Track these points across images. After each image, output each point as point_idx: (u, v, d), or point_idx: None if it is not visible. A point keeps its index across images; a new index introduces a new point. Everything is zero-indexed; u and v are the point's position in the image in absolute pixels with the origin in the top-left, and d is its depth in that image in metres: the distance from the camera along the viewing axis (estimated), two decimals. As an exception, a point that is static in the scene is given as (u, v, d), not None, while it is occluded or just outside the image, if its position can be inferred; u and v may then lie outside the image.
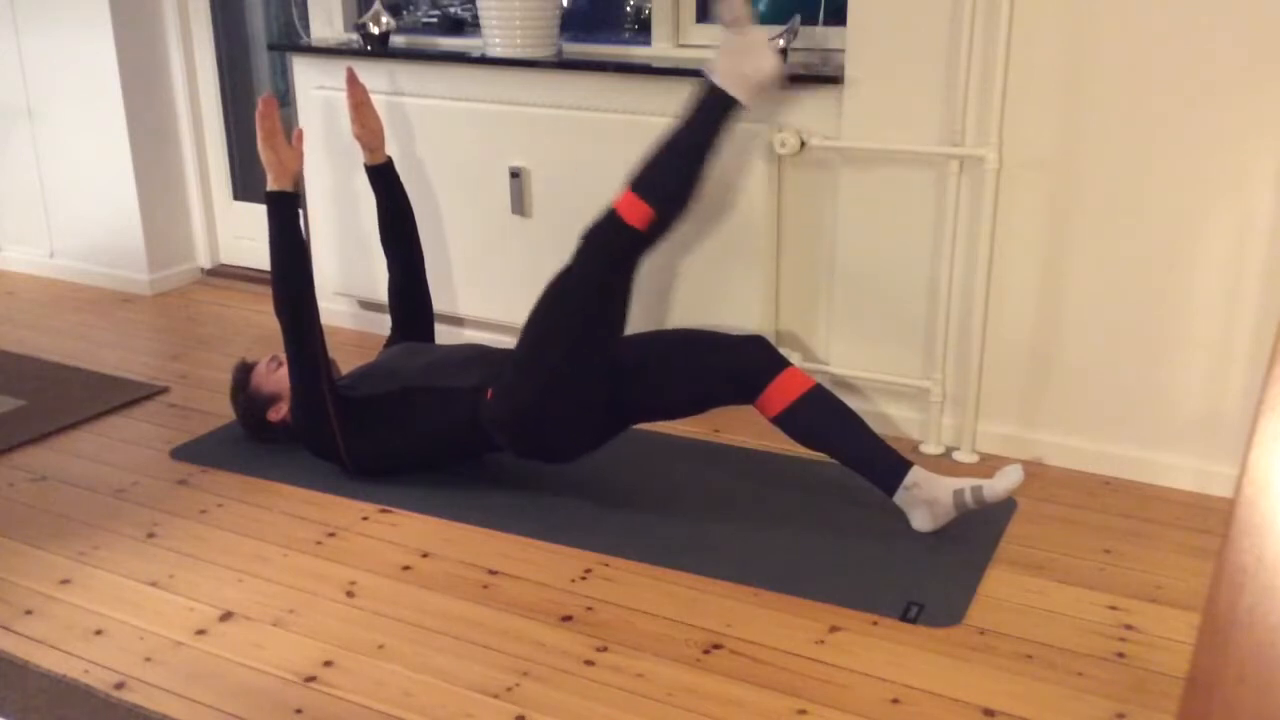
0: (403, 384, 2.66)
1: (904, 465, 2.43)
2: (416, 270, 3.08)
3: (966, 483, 2.38)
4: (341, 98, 3.46)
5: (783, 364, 2.50)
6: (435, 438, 2.64)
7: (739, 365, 2.48)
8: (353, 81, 3.03)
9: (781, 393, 2.47)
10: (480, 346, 2.79)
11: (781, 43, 2.89)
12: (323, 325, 2.68)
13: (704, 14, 3.18)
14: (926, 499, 2.40)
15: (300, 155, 2.71)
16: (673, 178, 2.42)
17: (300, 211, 2.68)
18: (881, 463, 2.45)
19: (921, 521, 2.42)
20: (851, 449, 2.46)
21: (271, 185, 2.67)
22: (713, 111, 2.45)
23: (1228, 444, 2.61)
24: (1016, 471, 2.32)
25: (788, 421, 2.48)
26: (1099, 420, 2.73)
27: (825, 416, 2.47)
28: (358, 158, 3.47)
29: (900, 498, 2.42)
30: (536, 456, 2.60)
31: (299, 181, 2.71)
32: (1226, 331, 2.55)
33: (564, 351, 2.46)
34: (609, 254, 2.44)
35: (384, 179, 3.08)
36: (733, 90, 2.44)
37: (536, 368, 2.48)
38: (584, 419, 2.53)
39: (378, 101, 3.41)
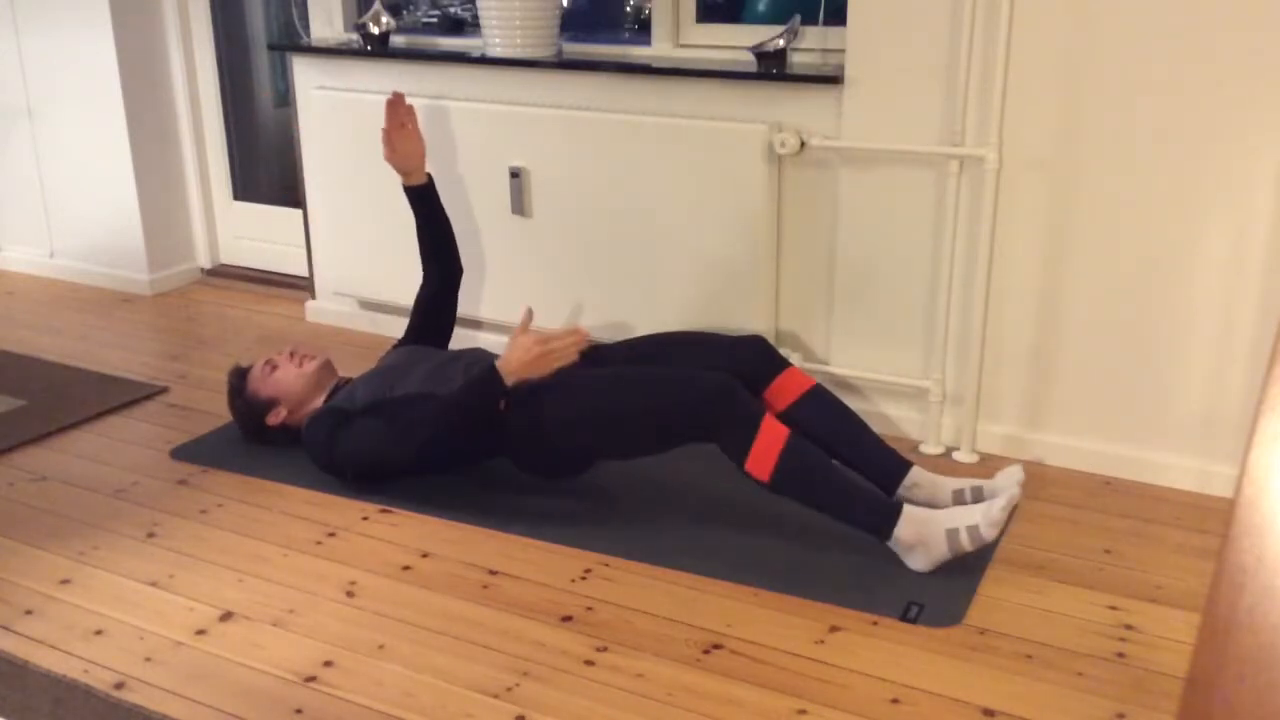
0: (406, 391, 2.66)
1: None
2: (454, 285, 3.07)
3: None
4: (343, 97, 3.46)
5: (783, 364, 2.50)
6: (434, 444, 2.64)
7: (737, 369, 2.48)
8: (392, 105, 2.97)
9: (781, 393, 2.48)
10: (484, 352, 2.79)
11: (781, 42, 2.90)
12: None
13: (704, 14, 3.18)
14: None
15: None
16: (808, 494, 2.33)
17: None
18: (886, 462, 2.47)
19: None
20: (852, 452, 2.47)
21: (507, 378, 2.50)
22: (869, 525, 2.33)
23: (1228, 444, 2.61)
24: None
25: (789, 420, 2.48)
26: (1099, 420, 2.73)
27: (826, 415, 2.48)
28: (358, 158, 3.47)
29: (899, 498, 2.40)
30: (539, 471, 2.62)
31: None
32: (1226, 331, 2.55)
33: (609, 432, 2.46)
34: (714, 433, 2.35)
35: (424, 200, 3.02)
36: (904, 552, 2.32)
37: (590, 421, 2.47)
38: (594, 456, 2.59)
39: (379, 102, 3.41)
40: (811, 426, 2.48)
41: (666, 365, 2.53)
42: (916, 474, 2.43)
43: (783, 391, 2.49)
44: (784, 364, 2.52)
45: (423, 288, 3.06)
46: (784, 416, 2.48)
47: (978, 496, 2.35)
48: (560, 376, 2.53)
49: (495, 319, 3.45)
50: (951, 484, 2.39)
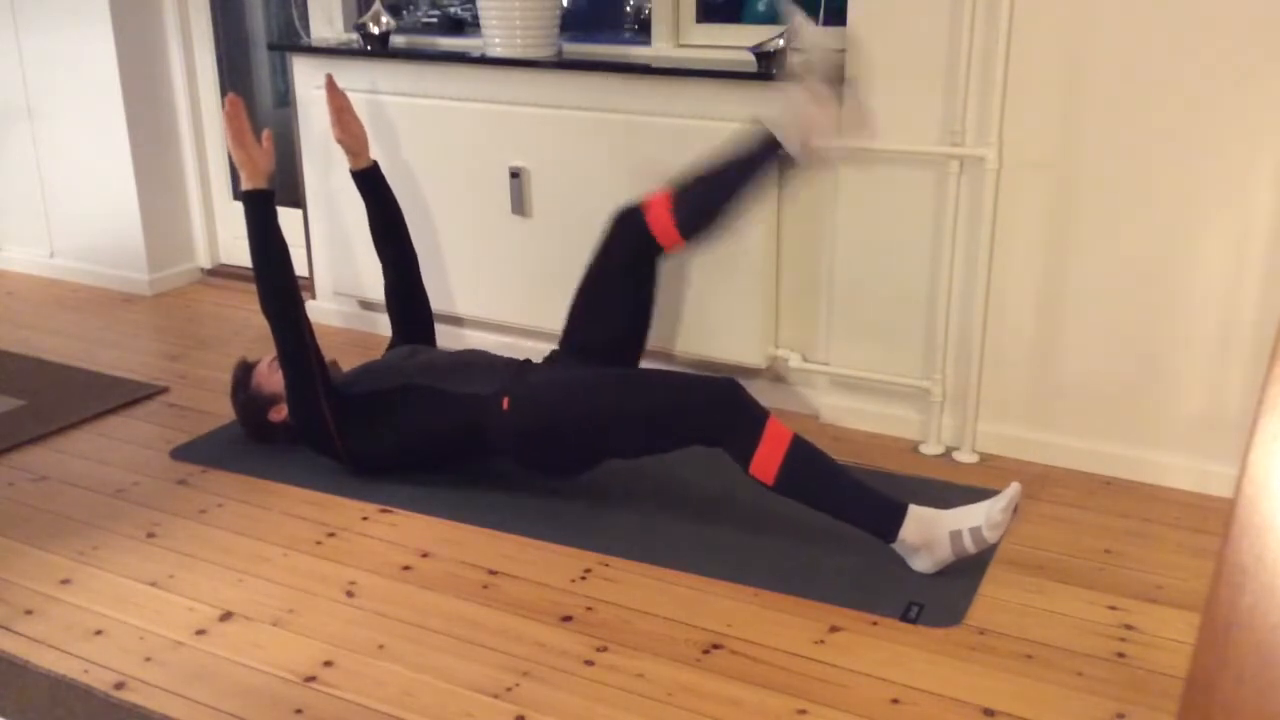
0: (404, 381, 2.66)
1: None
2: (411, 272, 3.07)
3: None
4: (343, 92, 3.46)
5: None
6: (433, 437, 2.64)
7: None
8: (332, 88, 3.01)
9: (658, 218, 2.52)
10: (483, 353, 2.80)
11: (781, 42, 2.90)
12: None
13: (704, 14, 3.18)
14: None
15: (270, 154, 2.73)
16: (813, 497, 2.34)
17: (275, 209, 2.68)
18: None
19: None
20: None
21: (246, 185, 2.69)
22: (874, 527, 2.32)
23: (1228, 444, 2.61)
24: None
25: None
26: (1099, 420, 2.73)
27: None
28: (358, 158, 3.47)
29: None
30: (543, 470, 2.62)
31: (273, 179, 2.71)
32: (1226, 331, 2.55)
33: (613, 434, 2.46)
34: (719, 437, 2.35)
35: (371, 183, 3.05)
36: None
37: (593, 420, 2.47)
38: (598, 456, 2.57)
39: (378, 101, 3.42)
40: (701, 212, 2.53)
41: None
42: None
43: (661, 223, 2.52)
44: (641, 208, 2.55)
45: (386, 286, 3.08)
46: (683, 232, 2.52)
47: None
48: (564, 375, 2.54)
49: (495, 319, 3.45)
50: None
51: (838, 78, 2.41)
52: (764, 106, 2.90)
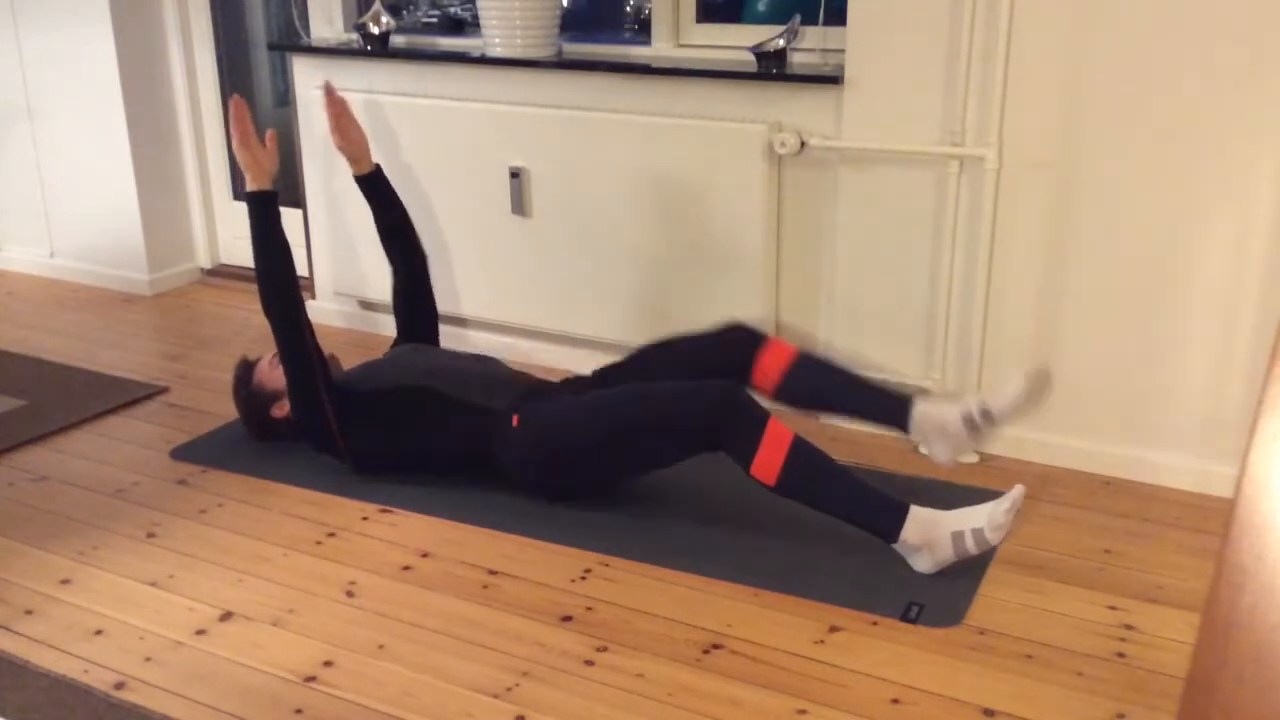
0: (409, 382, 2.67)
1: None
2: (420, 273, 3.06)
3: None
4: (342, 98, 3.46)
5: (762, 339, 2.61)
6: (437, 441, 2.64)
7: (726, 364, 2.59)
8: (331, 93, 2.98)
9: (769, 369, 2.58)
10: (489, 359, 2.80)
11: (781, 42, 2.90)
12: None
13: (704, 14, 3.18)
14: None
15: (275, 155, 2.72)
16: (814, 498, 2.35)
17: (279, 210, 2.68)
18: (887, 405, 2.55)
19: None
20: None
21: (250, 185, 2.68)
22: (876, 528, 2.34)
23: (1228, 444, 2.61)
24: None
25: (786, 391, 2.58)
26: (1099, 420, 2.73)
27: (818, 379, 2.59)
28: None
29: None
30: (541, 485, 2.61)
31: (277, 180, 2.71)
32: (1226, 331, 2.55)
33: (619, 444, 2.48)
34: (720, 441, 2.35)
35: (375, 188, 3.02)
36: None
37: (592, 431, 2.48)
38: (605, 473, 2.60)
39: (378, 102, 3.42)
40: (809, 395, 2.58)
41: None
42: (920, 413, 2.47)
43: (769, 368, 2.57)
44: (763, 338, 2.61)
45: (394, 286, 3.07)
46: (779, 392, 2.57)
47: (986, 416, 2.41)
48: (575, 399, 2.55)
49: (495, 319, 3.45)
50: (959, 410, 2.44)
51: (989, 428, 2.46)
52: (766, 107, 2.90)
